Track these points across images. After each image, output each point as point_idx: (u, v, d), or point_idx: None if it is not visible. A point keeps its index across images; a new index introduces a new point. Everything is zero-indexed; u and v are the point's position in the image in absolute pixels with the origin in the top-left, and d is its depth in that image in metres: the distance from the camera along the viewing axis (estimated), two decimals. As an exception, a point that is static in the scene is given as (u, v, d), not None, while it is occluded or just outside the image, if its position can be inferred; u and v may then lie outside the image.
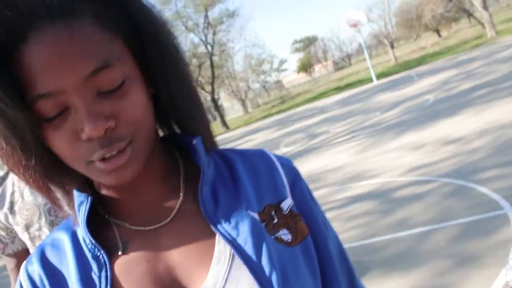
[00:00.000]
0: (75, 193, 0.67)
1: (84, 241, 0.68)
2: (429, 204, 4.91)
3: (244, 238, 0.65)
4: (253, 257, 0.64)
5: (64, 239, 0.70)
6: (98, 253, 0.66)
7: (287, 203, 0.72)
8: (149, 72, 0.64)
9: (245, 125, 33.13)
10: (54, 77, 0.54)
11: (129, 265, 0.66)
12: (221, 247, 0.65)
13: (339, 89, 33.04)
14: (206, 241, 0.66)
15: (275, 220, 0.69)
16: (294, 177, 0.76)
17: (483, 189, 4.74)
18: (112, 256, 0.67)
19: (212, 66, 35.47)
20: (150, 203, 0.70)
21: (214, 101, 36.34)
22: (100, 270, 0.65)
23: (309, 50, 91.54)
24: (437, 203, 4.87)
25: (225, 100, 55.28)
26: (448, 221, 4.30)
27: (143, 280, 0.65)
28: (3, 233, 1.74)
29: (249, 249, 0.64)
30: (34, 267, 0.69)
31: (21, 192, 1.69)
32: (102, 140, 0.57)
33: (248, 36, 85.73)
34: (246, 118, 40.68)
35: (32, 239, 1.68)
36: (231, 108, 58.24)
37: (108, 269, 0.65)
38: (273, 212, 0.70)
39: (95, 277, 0.65)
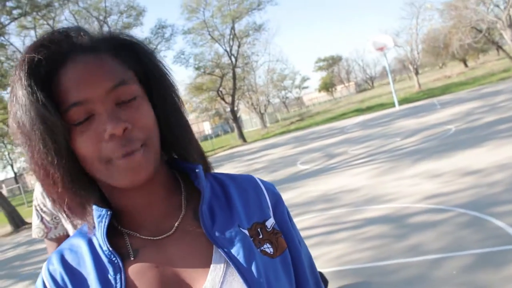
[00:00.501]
0: (95, 207, 0.79)
1: (101, 247, 0.79)
2: (442, 232, 4.94)
3: (237, 250, 0.77)
4: (245, 265, 0.76)
5: (81, 245, 0.81)
6: (114, 259, 0.77)
7: (270, 222, 0.85)
8: (153, 104, 0.80)
9: (262, 139, 33.26)
10: (84, 90, 0.70)
11: (141, 270, 0.78)
12: (217, 256, 0.78)
13: (360, 111, 33.03)
14: (205, 251, 0.79)
15: (261, 236, 0.82)
16: (277, 200, 0.89)
17: (499, 223, 4.77)
18: (125, 261, 0.78)
19: (234, 77, 35.77)
20: (156, 217, 0.82)
21: (233, 112, 36.57)
22: (115, 273, 0.77)
23: (333, 70, 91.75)
24: (451, 232, 4.90)
25: (243, 113, 55.54)
26: (460, 251, 4.34)
27: (154, 282, 0.77)
28: (48, 219, 1.89)
29: (241, 258, 0.77)
30: (55, 267, 0.80)
31: None
32: (120, 139, 0.71)
33: (273, 51, 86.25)
34: (264, 132, 40.82)
35: (75, 226, 1.82)
36: (249, 121, 58.47)
37: (122, 272, 0.77)
38: (259, 229, 0.83)
39: (111, 278, 0.76)
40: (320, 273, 3.67)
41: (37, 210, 1.94)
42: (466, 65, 58.29)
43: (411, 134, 13.72)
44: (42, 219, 1.93)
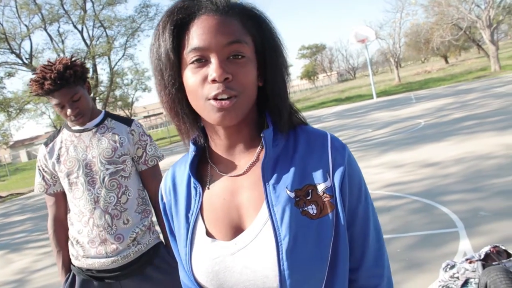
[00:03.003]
0: (190, 144, 1.00)
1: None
2: (395, 216, 5.43)
3: (278, 207, 0.90)
4: (279, 221, 0.89)
5: (187, 164, 1.01)
6: (196, 186, 0.99)
7: (323, 186, 0.92)
8: (263, 71, 0.95)
9: (243, 124, 33.38)
10: (206, 39, 0.87)
11: (212, 198, 0.98)
12: (265, 207, 0.92)
13: (339, 101, 33.53)
14: (261, 198, 0.93)
15: (309, 197, 0.91)
16: (340, 163, 0.93)
17: (445, 209, 5.28)
18: (204, 188, 1.00)
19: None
20: (234, 158, 0.99)
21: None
22: (196, 196, 0.99)
23: (316, 58, 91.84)
24: (403, 216, 5.40)
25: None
26: (408, 232, 4.84)
27: (218, 210, 0.97)
28: (48, 177, 2.28)
29: (278, 215, 0.89)
30: (167, 179, 1.08)
31: (67, 148, 2.23)
32: (220, 85, 0.86)
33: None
34: (245, 116, 40.91)
35: (70, 184, 2.20)
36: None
37: (200, 196, 0.99)
38: (310, 190, 0.92)
39: (192, 199, 1.00)
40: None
41: (39, 170, 2.31)
42: (447, 61, 59.25)
43: (383, 126, 14.28)
44: (43, 177, 2.30)
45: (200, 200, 0.98)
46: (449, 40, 39.08)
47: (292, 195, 0.91)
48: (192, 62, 0.88)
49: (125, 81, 37.34)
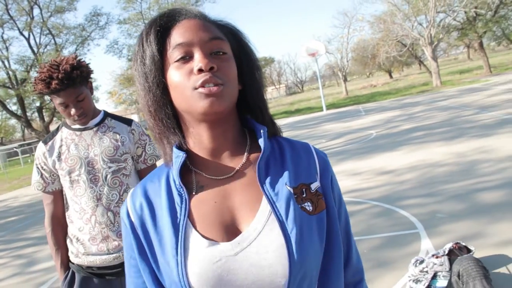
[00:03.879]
0: (174, 149, 0.96)
1: (174, 181, 0.96)
2: (358, 220, 5.68)
3: (280, 202, 0.91)
4: (284, 215, 0.89)
5: (162, 176, 1.00)
6: (182, 192, 0.94)
7: (315, 185, 0.97)
8: (241, 76, 0.99)
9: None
10: (190, 36, 0.91)
11: (201, 203, 0.94)
12: (265, 204, 0.91)
13: (289, 113, 34.06)
14: (256, 197, 0.93)
15: (304, 195, 0.94)
16: (325, 167, 1.01)
17: (404, 213, 5.59)
18: (190, 194, 0.95)
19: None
20: (221, 161, 0.98)
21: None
22: (181, 203, 0.93)
23: (264, 71, 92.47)
24: (366, 220, 5.66)
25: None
26: (372, 235, 5.09)
27: (210, 213, 0.93)
28: (47, 175, 2.29)
29: (282, 210, 0.90)
30: (138, 196, 0.99)
31: (68, 146, 2.25)
32: (207, 73, 0.88)
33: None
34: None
35: (72, 182, 2.23)
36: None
37: (187, 203, 0.93)
38: (304, 189, 0.95)
39: (177, 207, 0.93)
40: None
41: (38, 168, 2.30)
42: (391, 76, 61.58)
43: (336, 137, 14.71)
44: (41, 175, 2.30)
45: (187, 207, 0.93)
46: (394, 55, 40.71)
47: (292, 191, 0.93)
48: (177, 61, 0.91)
49: (73, 91, 36.27)
